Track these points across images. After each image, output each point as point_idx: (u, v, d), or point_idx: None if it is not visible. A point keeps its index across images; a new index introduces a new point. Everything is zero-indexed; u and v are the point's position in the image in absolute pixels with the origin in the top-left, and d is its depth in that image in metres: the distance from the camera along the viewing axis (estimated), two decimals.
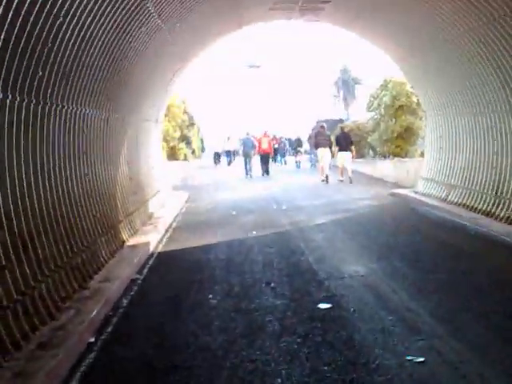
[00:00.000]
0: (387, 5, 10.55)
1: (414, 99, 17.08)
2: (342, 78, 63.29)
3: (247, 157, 21.40)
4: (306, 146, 31.81)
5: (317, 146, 18.20)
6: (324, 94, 65.18)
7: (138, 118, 10.19)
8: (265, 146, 21.58)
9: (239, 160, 28.42)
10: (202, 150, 35.17)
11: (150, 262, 7.28)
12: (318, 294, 5.55)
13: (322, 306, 5.14)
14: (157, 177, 12.59)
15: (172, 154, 19.29)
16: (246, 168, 21.35)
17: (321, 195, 14.15)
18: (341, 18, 12.59)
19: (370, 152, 23.99)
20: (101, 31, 6.38)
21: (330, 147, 17.78)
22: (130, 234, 8.38)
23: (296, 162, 26.65)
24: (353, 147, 17.43)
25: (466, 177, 10.44)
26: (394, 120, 17.86)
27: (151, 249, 7.98)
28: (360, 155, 23.64)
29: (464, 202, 10.25)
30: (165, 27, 9.03)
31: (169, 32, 9.43)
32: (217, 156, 31.73)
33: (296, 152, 27.80)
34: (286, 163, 29.61)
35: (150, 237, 8.46)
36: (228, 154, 31.14)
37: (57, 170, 5.57)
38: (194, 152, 28.55)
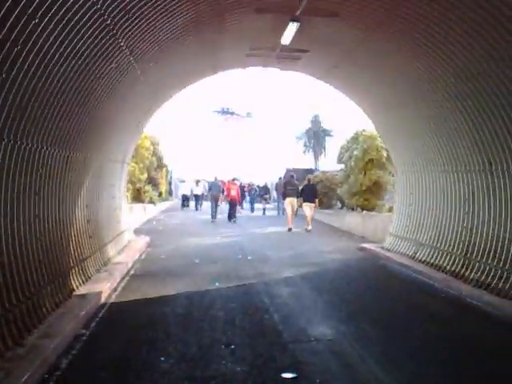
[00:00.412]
0: (363, 59, 10.57)
1: (384, 153, 17.14)
2: (313, 129, 64.32)
3: (214, 200, 21.81)
4: (272, 193, 32.90)
5: (285, 195, 18.61)
6: (294, 142, 66.04)
7: (102, 158, 9.72)
8: (233, 192, 21.97)
9: (206, 205, 28.25)
10: (170, 192, 34.70)
11: (100, 315, 6.66)
12: (283, 360, 5.07)
13: (286, 375, 4.65)
14: (119, 219, 12.05)
15: (137, 196, 18.71)
16: (212, 211, 21.66)
17: (288, 246, 13.76)
18: (317, 68, 12.55)
19: (338, 203, 23.95)
20: (65, 63, 5.95)
21: (298, 197, 18.11)
22: (82, 281, 7.76)
23: (263, 210, 27.19)
24: (316, 199, 18.07)
25: (435, 235, 10.22)
26: (363, 173, 17.82)
27: (103, 299, 7.37)
28: (328, 206, 23.57)
29: (433, 261, 9.97)
30: (137, 66, 8.74)
31: (141, 71, 9.14)
32: (185, 199, 31.69)
33: (263, 199, 28.35)
34: (253, 211, 29.18)
35: (104, 285, 7.85)
36: (196, 197, 31.11)
37: (1, 211, 5.03)
38: (160, 194, 28.01)
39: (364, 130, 18.01)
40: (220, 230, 17.94)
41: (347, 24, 9.16)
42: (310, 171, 34.09)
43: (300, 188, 18.59)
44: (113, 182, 11.35)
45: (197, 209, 29.96)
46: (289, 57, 11.82)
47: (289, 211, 18.04)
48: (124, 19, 6.81)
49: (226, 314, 6.79)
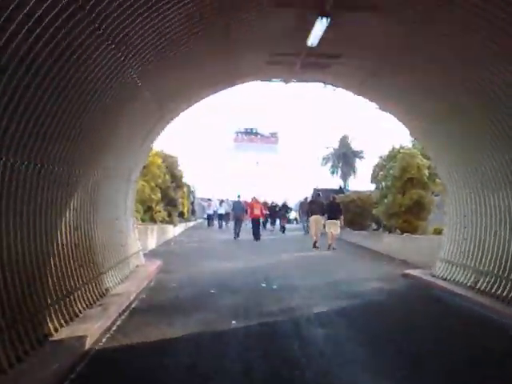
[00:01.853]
0: (407, 66, 8.88)
1: (426, 172, 15.42)
2: (341, 149, 62.37)
3: (238, 220, 22.35)
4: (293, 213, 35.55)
5: (311, 213, 18.84)
6: (320, 163, 63.89)
7: (97, 174, 8.22)
8: (257, 211, 21.80)
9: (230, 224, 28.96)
10: (193, 212, 33.42)
11: (78, 369, 5.04)
12: None
13: None
14: (125, 242, 10.51)
15: (151, 217, 17.27)
16: (235, 231, 21.90)
17: (319, 271, 12.02)
18: (350, 77, 10.77)
19: (373, 225, 22.16)
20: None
21: (323, 215, 18.17)
22: (64, 321, 6.16)
23: (281, 227, 28.50)
24: (341, 216, 17.90)
25: (500, 263, 8.39)
26: (402, 193, 16.04)
27: (88, 345, 5.75)
28: (361, 227, 21.78)
29: (498, 292, 8.12)
30: (137, 76, 7.36)
31: (142, 83, 7.73)
32: (210, 218, 32.60)
33: (283, 217, 29.64)
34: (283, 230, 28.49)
35: (92, 325, 6.25)
36: (220, 217, 31.79)
37: None
38: (182, 215, 26.59)
39: (402, 147, 16.32)
40: (242, 252, 16.27)
41: (389, 20, 7.50)
42: (339, 191, 32.30)
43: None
44: (116, 202, 9.85)
45: (220, 227, 30.87)
46: (317, 64, 10.09)
47: (313, 229, 18.19)
48: (121, 27, 5.52)
49: (244, 368, 5.13)
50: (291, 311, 7.65)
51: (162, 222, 18.80)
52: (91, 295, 7.45)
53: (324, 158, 63.92)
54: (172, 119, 11.90)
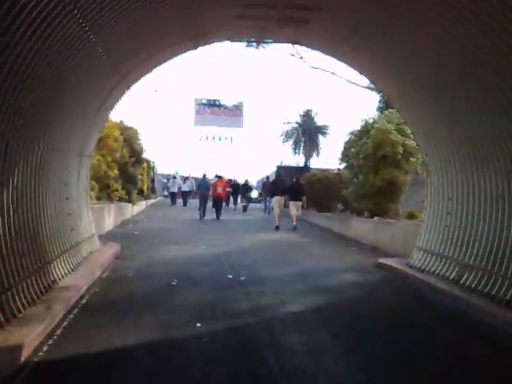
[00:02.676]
0: (399, 23, 7.93)
1: (400, 149, 14.69)
2: (304, 125, 60.83)
3: (203, 199, 21.91)
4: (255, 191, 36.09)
5: (272, 194, 19.18)
6: (283, 139, 61.73)
7: (43, 148, 7.12)
8: (219, 190, 21.87)
9: (194, 202, 28.24)
10: (153, 190, 32.24)
11: None
12: None
13: None
14: (76, 226, 9.44)
15: (108, 195, 16.08)
16: (199, 210, 21.55)
17: (287, 259, 11.26)
18: (329, 35, 9.75)
19: (339, 206, 21.59)
20: None
21: (285, 195, 18.69)
22: None
23: (244, 207, 28.45)
24: (304, 197, 18.41)
25: (487, 255, 7.72)
26: (373, 172, 15.31)
27: (24, 357, 4.79)
28: (327, 209, 21.18)
29: (487, 290, 7.43)
30: (92, 34, 6.24)
31: (96, 40, 6.63)
32: (172, 196, 32.37)
33: (244, 197, 29.71)
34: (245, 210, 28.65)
35: (32, 330, 5.27)
36: (185, 194, 31.67)
37: None
38: (142, 192, 25.38)
39: (375, 122, 15.51)
40: (205, 235, 15.36)
41: None
42: (303, 169, 31.79)
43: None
44: (66, 180, 8.77)
45: (185, 204, 30.55)
46: (294, 19, 9.04)
47: (276, 210, 18.27)
48: None
49: None
50: (263, 311, 6.80)
51: (119, 200, 17.63)
52: (34, 290, 6.42)
53: (286, 134, 61.46)
54: (129, 86, 10.74)
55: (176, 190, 32.33)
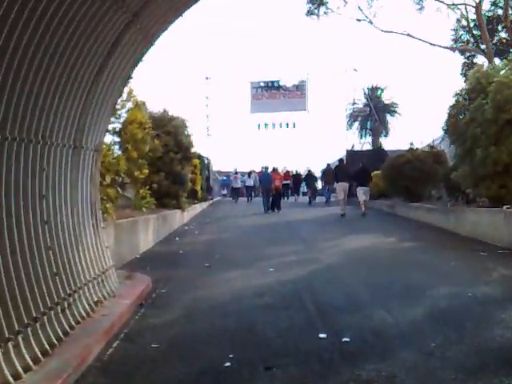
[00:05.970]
0: None
1: None
2: (370, 105, 55.27)
3: (266, 192, 21.72)
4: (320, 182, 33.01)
5: (337, 180, 18.78)
6: (346, 122, 56.36)
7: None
8: (277, 183, 21.78)
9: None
10: (208, 190, 28.83)
11: None
12: None
13: None
14: (67, 264, 5.89)
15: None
16: (264, 204, 21.39)
17: (398, 285, 7.39)
18: None
19: (433, 193, 17.32)
20: None
21: (350, 181, 18.42)
22: None
23: (309, 198, 27.12)
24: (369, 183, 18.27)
25: None
26: (495, 144, 11.08)
27: None
28: (420, 198, 16.98)
29: None
30: None
31: None
32: (235, 192, 31.15)
33: (309, 188, 28.50)
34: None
35: None
36: (249, 189, 30.77)
37: None
38: (195, 194, 21.90)
39: (493, 75, 11.16)
40: (273, 247, 11.65)
41: None
42: (380, 153, 27.25)
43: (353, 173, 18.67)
44: (49, 187, 5.22)
45: (249, 200, 29.52)
46: None
47: (341, 196, 17.92)
48: None
49: None
50: None
51: (159, 206, 14.06)
52: None
53: (351, 116, 56.30)
54: (151, 43, 7.14)
55: (239, 186, 31.52)
